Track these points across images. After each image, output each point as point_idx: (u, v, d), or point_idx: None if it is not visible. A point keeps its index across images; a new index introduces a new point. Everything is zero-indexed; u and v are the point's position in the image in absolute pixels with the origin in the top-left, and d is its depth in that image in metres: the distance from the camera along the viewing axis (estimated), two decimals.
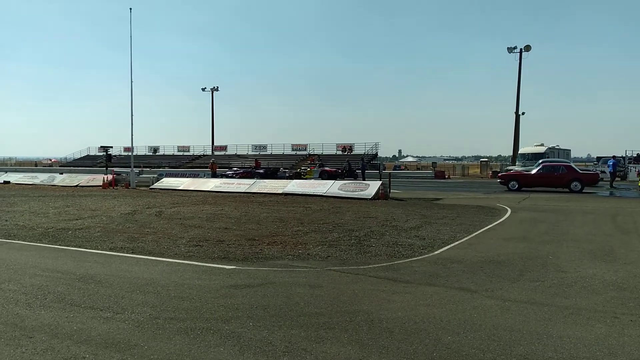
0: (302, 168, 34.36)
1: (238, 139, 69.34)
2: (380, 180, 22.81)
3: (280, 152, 57.14)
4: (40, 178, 30.21)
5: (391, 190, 20.50)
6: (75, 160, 67.72)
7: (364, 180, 26.25)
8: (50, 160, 77.59)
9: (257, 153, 56.54)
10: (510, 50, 43.21)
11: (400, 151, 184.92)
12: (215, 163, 36.96)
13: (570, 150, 38.33)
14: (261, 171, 32.52)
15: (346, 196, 19.04)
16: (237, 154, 58.85)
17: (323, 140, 66.09)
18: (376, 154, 53.42)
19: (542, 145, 35.08)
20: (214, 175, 32.39)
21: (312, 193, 20.32)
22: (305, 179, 28.05)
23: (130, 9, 26.41)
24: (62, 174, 32.62)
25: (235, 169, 36.07)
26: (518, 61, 42.90)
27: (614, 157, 28.06)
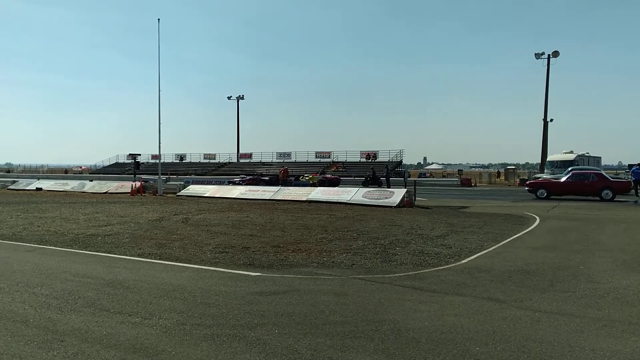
0: (304, 175, 35.36)
1: (262, 148, 70.29)
2: (405, 187, 22.66)
3: (305, 160, 57.39)
4: (71, 185, 30.99)
5: (416, 198, 20.32)
6: (104, 167, 69.36)
7: (388, 187, 26.10)
8: (81, 167, 79.71)
9: (282, 160, 56.91)
10: (538, 56, 42.58)
11: (425, 158, 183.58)
12: (287, 169, 37.41)
13: (600, 157, 37.40)
14: (266, 179, 33.12)
15: (370, 204, 18.96)
16: (262, 161, 59.41)
17: (347, 147, 66.12)
18: (401, 162, 53.18)
19: (571, 152, 34.33)
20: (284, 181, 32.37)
21: (336, 200, 20.30)
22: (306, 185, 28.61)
23: (159, 19, 27.55)
24: (91, 181, 33.39)
25: (242, 176, 37.52)
26: (546, 67, 42.25)
27: (639, 164, 27.08)
